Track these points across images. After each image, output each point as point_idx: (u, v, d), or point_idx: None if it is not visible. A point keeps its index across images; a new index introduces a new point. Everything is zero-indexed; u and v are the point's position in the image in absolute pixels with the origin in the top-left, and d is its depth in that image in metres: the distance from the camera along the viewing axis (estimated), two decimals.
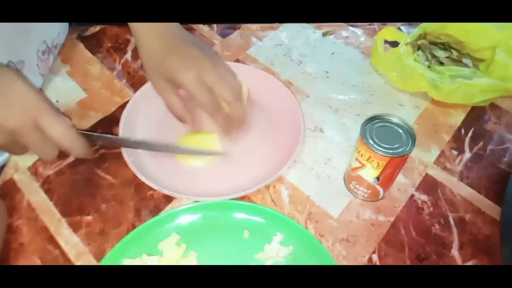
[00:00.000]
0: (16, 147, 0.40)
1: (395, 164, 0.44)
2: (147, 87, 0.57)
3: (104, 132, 0.45)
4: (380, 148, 0.43)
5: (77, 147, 0.41)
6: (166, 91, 0.47)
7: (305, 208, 0.50)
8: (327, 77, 0.64)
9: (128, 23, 0.49)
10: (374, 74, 0.64)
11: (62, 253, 0.45)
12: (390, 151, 0.43)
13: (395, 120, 0.45)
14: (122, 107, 0.57)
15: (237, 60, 0.66)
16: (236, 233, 0.46)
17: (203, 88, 0.44)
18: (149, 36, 0.47)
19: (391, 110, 0.60)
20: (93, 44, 0.68)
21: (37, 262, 0.45)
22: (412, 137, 0.44)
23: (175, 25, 0.48)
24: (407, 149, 0.43)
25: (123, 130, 0.52)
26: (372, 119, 0.45)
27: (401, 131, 0.44)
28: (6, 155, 0.59)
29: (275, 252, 0.44)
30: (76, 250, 0.46)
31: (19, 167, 0.52)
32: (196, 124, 0.55)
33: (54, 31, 0.62)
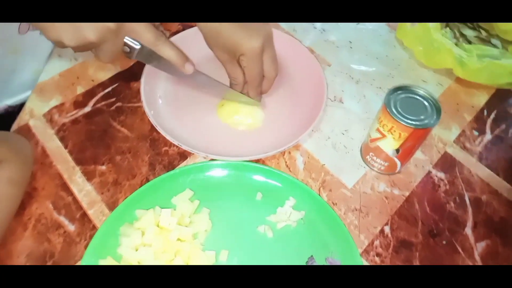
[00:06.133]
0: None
1: (417, 136, 0.43)
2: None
3: None
4: (404, 119, 0.42)
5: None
6: (227, 62, 0.49)
7: (319, 176, 0.49)
8: (351, 47, 0.63)
9: None
10: (398, 48, 0.63)
11: (75, 200, 0.46)
12: (414, 123, 0.42)
13: (421, 92, 0.44)
14: (139, 62, 0.56)
15: None
16: (249, 194, 0.46)
17: (259, 63, 0.47)
18: None
19: None
20: None
21: (50, 207, 0.45)
22: (437, 110, 0.43)
23: None
24: (432, 122, 0.42)
25: (145, 84, 0.51)
26: (397, 89, 0.44)
27: (426, 103, 0.43)
28: (22, 96, 0.58)
29: (287, 216, 0.44)
30: (89, 198, 0.46)
31: (35, 113, 0.52)
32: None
33: None
